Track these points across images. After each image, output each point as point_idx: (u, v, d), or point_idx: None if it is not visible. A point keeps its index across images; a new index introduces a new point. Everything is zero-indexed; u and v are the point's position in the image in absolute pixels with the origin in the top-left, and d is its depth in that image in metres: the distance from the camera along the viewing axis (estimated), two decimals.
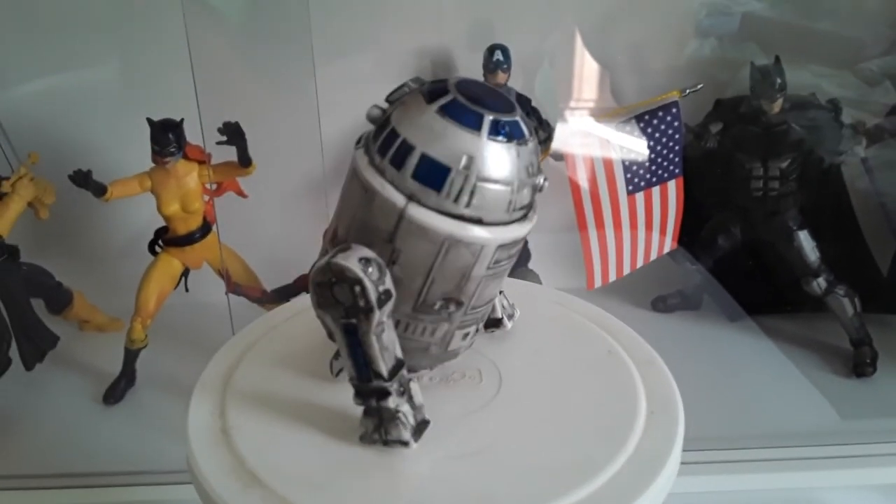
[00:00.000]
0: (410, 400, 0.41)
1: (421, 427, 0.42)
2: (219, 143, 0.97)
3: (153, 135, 0.98)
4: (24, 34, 1.10)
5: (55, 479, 0.88)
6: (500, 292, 0.51)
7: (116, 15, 1.10)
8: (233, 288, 1.05)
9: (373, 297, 0.37)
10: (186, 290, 1.08)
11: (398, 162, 0.37)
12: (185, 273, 1.07)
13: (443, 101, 0.37)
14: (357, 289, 0.37)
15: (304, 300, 0.48)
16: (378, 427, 0.41)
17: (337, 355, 0.46)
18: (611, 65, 1.18)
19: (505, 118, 0.37)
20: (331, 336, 0.44)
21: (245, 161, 0.99)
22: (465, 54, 1.15)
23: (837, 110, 1.07)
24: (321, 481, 0.40)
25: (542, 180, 0.40)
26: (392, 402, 0.40)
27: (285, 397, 0.46)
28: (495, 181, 0.37)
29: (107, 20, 1.11)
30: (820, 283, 1.10)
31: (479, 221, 0.38)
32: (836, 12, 1.22)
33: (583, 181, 1.07)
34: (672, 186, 1.11)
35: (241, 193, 1.07)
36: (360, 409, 0.41)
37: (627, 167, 1.08)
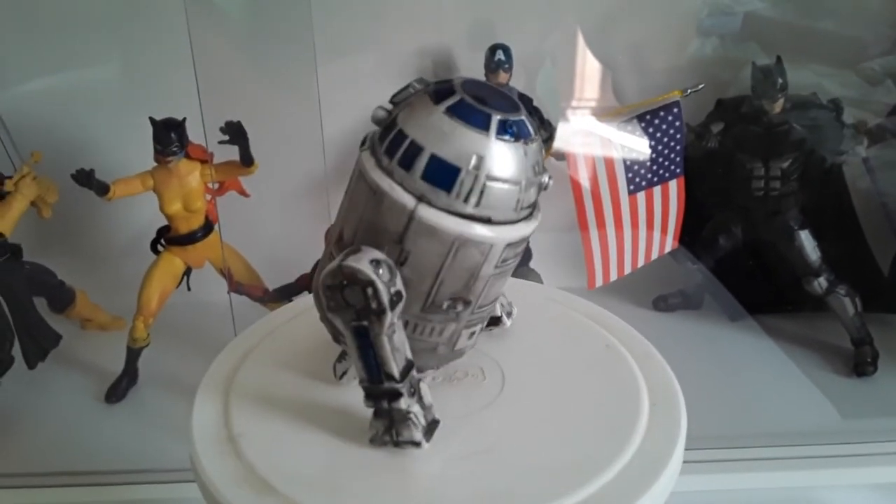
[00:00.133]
0: (420, 400, 0.41)
1: (432, 427, 0.42)
2: (221, 142, 0.97)
3: (155, 134, 0.98)
4: (27, 33, 1.10)
5: (57, 478, 0.88)
6: None
7: (119, 14, 1.10)
8: (235, 287, 1.05)
9: (385, 298, 0.37)
10: (189, 289, 1.08)
11: (407, 163, 0.37)
12: (188, 272, 1.08)
13: (450, 101, 0.37)
14: (369, 291, 0.37)
15: (306, 300, 0.48)
16: (389, 428, 0.41)
17: (340, 358, 0.46)
18: (612, 64, 1.18)
19: (512, 118, 0.38)
20: (336, 339, 0.44)
21: (247, 160, 0.99)
22: (467, 54, 1.15)
23: (839, 110, 1.07)
24: (334, 485, 0.40)
25: (547, 179, 0.40)
26: (404, 402, 0.40)
27: (289, 400, 0.46)
28: (504, 180, 0.38)
29: (109, 19, 1.11)
30: (821, 282, 1.10)
31: (487, 221, 0.38)
32: (838, 12, 1.22)
33: (584, 181, 1.07)
34: (673, 186, 1.11)
35: (242, 193, 1.07)
36: (365, 409, 0.41)
37: (629, 167, 1.08)
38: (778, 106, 1.06)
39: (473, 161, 0.37)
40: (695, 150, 1.12)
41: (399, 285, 0.38)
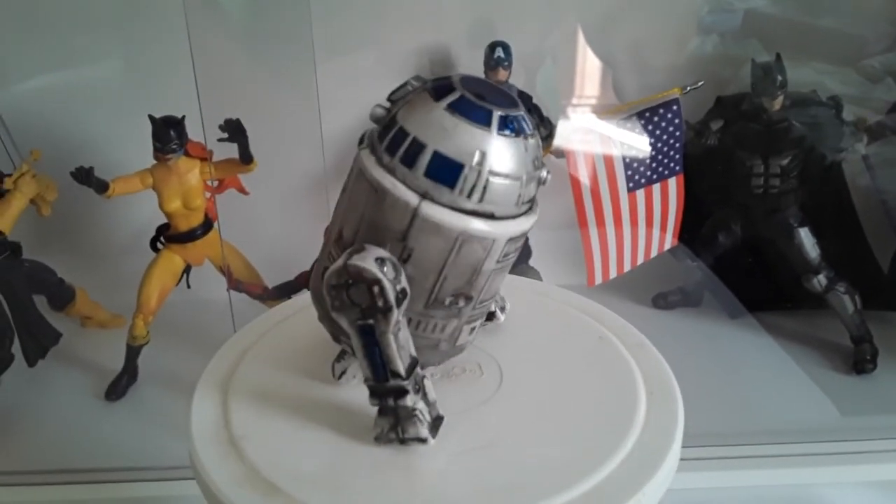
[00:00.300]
0: (425, 397, 0.41)
1: (437, 423, 0.42)
2: (220, 139, 0.97)
3: (155, 132, 0.98)
4: (27, 31, 1.10)
5: (57, 476, 0.88)
6: None
7: (118, 12, 1.10)
8: (234, 285, 1.05)
9: (391, 296, 0.37)
10: (188, 286, 1.08)
11: (409, 160, 0.37)
12: (187, 270, 1.08)
13: (451, 98, 0.37)
14: (375, 289, 0.37)
15: (305, 297, 0.48)
16: (395, 426, 0.41)
17: (339, 358, 0.46)
18: (612, 62, 1.18)
19: (512, 113, 0.38)
20: (335, 338, 0.44)
21: (246, 158, 0.99)
22: (466, 52, 1.15)
23: (838, 107, 1.07)
24: (339, 483, 0.40)
25: (545, 173, 0.40)
26: (410, 400, 0.40)
27: (289, 398, 0.46)
28: (506, 175, 0.38)
29: (109, 17, 1.11)
30: (820, 280, 1.10)
31: (490, 216, 0.38)
32: (839, 9, 1.22)
33: (584, 178, 1.07)
34: (673, 183, 1.11)
35: (242, 190, 1.07)
36: (366, 407, 0.41)
37: (628, 164, 1.08)
38: (777, 103, 1.06)
39: (476, 157, 0.37)
40: (694, 148, 1.12)
41: (404, 282, 0.38)
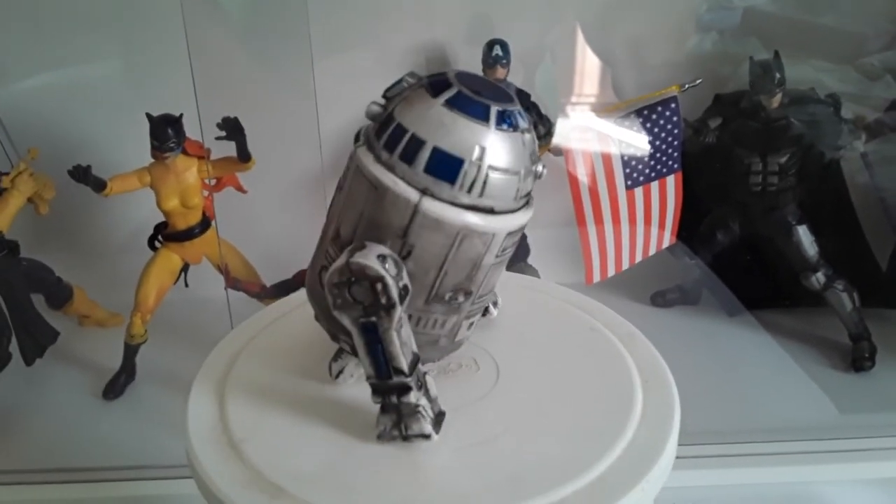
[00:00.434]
0: (427, 393, 0.41)
1: (439, 418, 0.42)
2: (218, 138, 0.97)
3: (152, 130, 0.97)
4: (24, 30, 1.10)
5: (55, 474, 0.88)
6: None
7: (116, 11, 1.10)
8: (232, 283, 1.05)
9: (394, 293, 0.37)
10: (186, 285, 1.08)
11: (409, 157, 0.37)
12: (185, 268, 1.07)
13: (448, 94, 0.37)
14: (378, 286, 0.37)
15: (301, 295, 0.48)
16: (398, 423, 0.41)
17: (336, 357, 0.46)
18: (611, 59, 1.18)
19: (509, 108, 0.38)
20: (333, 337, 0.44)
21: (244, 156, 0.99)
22: (465, 49, 1.15)
23: (837, 105, 1.07)
24: (343, 482, 0.40)
25: (541, 168, 0.40)
26: (413, 396, 0.40)
27: (287, 397, 0.46)
28: (505, 170, 0.38)
29: (106, 16, 1.10)
30: (819, 277, 1.10)
31: (490, 211, 0.38)
32: (838, 7, 1.22)
33: (582, 176, 1.07)
34: (671, 181, 1.11)
35: (240, 189, 1.07)
36: (365, 404, 0.41)
37: (626, 162, 1.07)
38: (776, 101, 1.06)
39: (476, 152, 0.37)
40: (693, 146, 1.11)
41: (406, 279, 0.38)
